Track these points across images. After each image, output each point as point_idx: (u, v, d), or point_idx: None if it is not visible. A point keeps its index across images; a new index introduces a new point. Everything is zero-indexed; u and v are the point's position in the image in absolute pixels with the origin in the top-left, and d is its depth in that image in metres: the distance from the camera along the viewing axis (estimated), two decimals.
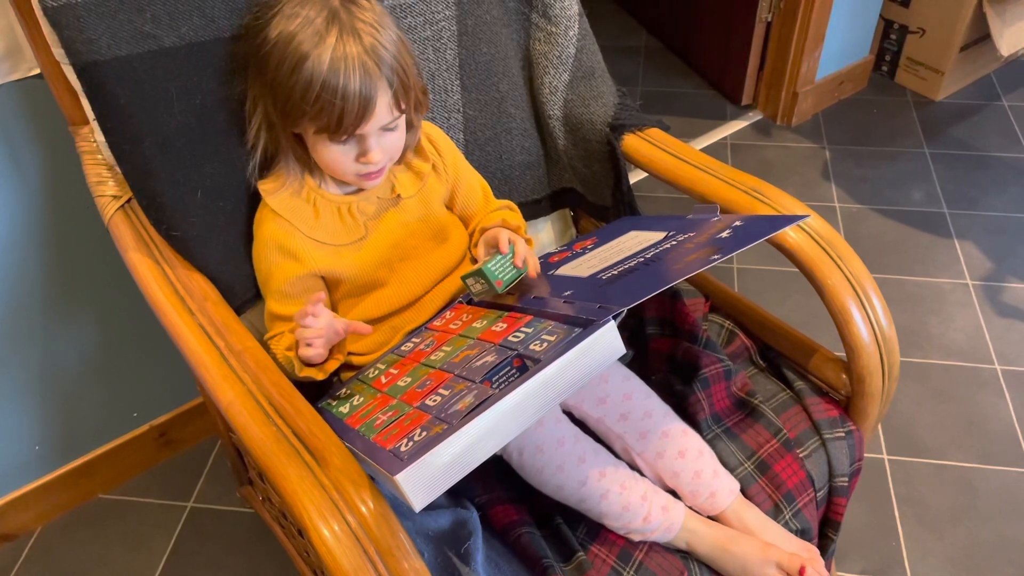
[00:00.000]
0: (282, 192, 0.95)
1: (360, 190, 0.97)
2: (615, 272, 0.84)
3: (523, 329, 0.79)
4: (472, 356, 0.79)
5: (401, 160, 1.00)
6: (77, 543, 1.40)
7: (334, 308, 0.99)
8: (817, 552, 0.92)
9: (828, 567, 0.97)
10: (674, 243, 0.86)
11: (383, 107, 0.87)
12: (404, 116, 0.92)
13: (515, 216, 1.09)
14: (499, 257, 0.90)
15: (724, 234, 0.83)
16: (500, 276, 0.89)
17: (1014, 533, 1.36)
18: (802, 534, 0.94)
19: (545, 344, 0.73)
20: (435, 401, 0.74)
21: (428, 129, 1.04)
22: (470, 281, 0.92)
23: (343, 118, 0.85)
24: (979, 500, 1.41)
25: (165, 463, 1.52)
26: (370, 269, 0.97)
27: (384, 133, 0.90)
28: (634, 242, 0.93)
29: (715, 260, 0.75)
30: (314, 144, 0.90)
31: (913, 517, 1.39)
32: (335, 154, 0.90)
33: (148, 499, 1.46)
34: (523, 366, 0.73)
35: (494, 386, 0.72)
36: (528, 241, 1.02)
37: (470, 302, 0.97)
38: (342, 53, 0.83)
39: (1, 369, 1.27)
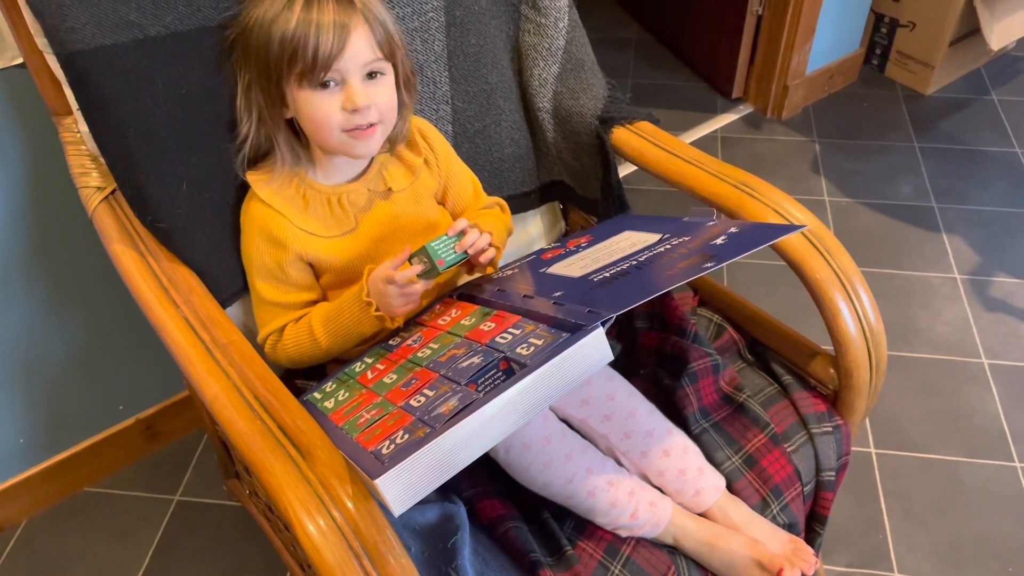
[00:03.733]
0: (272, 184, 0.94)
1: (354, 180, 0.97)
2: (607, 275, 0.83)
3: (511, 330, 0.78)
4: (459, 356, 0.78)
5: (393, 152, 1.00)
6: (63, 536, 1.40)
7: (324, 296, 0.99)
8: (803, 544, 0.91)
9: None
10: (668, 247, 0.85)
11: (361, 39, 0.86)
12: (393, 70, 0.91)
13: (505, 216, 1.08)
14: (443, 238, 0.89)
15: (719, 240, 0.81)
16: (442, 255, 0.88)
17: (1000, 526, 1.37)
18: (789, 528, 0.95)
19: (532, 348, 0.72)
20: (419, 402, 0.74)
21: (419, 124, 1.04)
22: (414, 260, 0.91)
23: (319, 48, 0.84)
24: (965, 494, 1.42)
25: (151, 456, 1.51)
26: (357, 261, 0.96)
27: (369, 82, 0.89)
28: (628, 243, 0.92)
29: (708, 268, 0.73)
30: (301, 105, 0.88)
31: (900, 511, 1.40)
32: (321, 106, 0.87)
33: (134, 492, 1.45)
34: (509, 369, 0.72)
35: (479, 389, 0.71)
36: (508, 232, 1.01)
37: (460, 297, 0.96)
38: (314, 1, 0.85)
39: None
